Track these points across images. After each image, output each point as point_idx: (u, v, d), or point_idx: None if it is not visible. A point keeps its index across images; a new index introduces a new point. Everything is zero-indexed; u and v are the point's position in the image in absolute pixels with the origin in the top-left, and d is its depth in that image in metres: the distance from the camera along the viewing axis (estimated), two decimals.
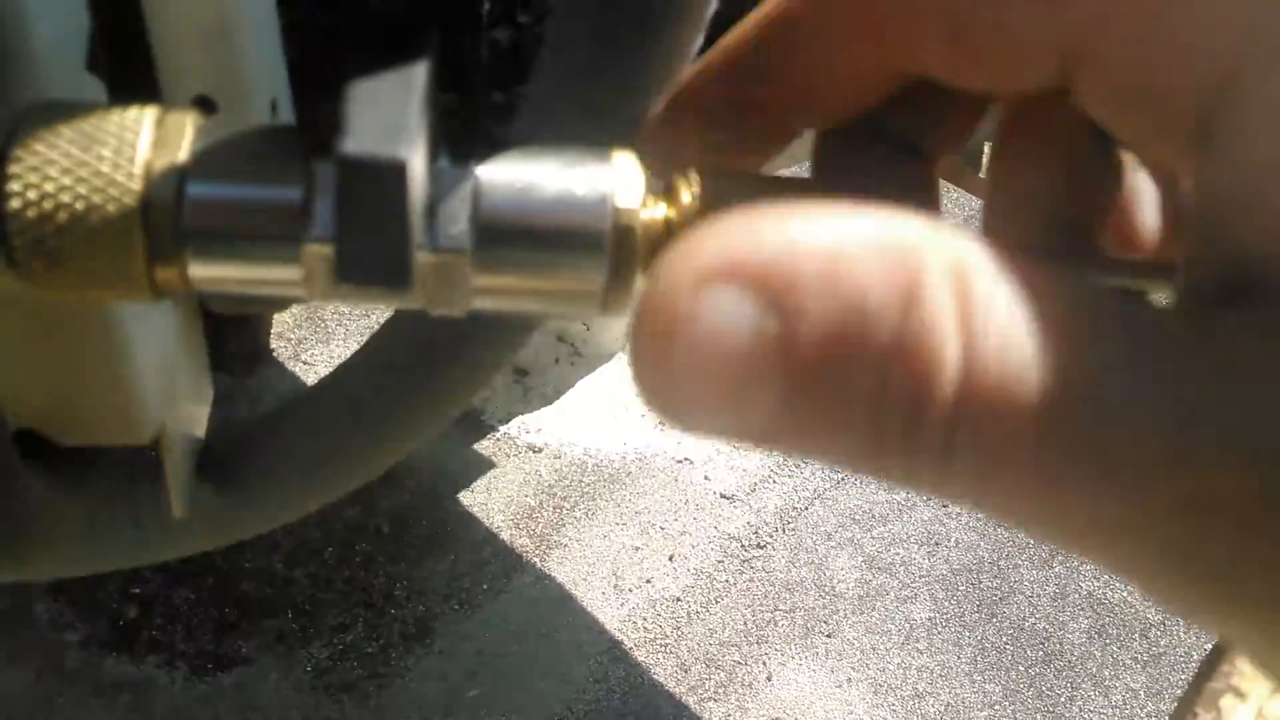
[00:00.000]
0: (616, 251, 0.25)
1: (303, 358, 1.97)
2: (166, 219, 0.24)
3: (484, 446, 1.88)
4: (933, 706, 1.60)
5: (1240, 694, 0.57)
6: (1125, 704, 1.62)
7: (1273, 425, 0.16)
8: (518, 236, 0.25)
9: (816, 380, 0.17)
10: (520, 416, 1.93)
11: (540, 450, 1.88)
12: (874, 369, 0.17)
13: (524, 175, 0.25)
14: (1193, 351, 0.17)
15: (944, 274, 0.17)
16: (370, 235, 0.23)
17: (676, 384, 0.18)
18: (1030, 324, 0.16)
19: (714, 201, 0.26)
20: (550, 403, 1.96)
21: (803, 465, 1.92)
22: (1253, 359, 0.17)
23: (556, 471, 1.85)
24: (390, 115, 0.22)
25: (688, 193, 0.26)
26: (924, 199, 0.28)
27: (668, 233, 0.25)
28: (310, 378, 1.94)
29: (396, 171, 0.22)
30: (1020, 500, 0.17)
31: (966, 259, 0.17)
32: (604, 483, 1.85)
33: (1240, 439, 0.16)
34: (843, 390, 0.17)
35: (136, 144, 0.25)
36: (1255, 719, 0.56)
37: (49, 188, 0.24)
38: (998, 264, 0.17)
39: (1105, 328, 0.17)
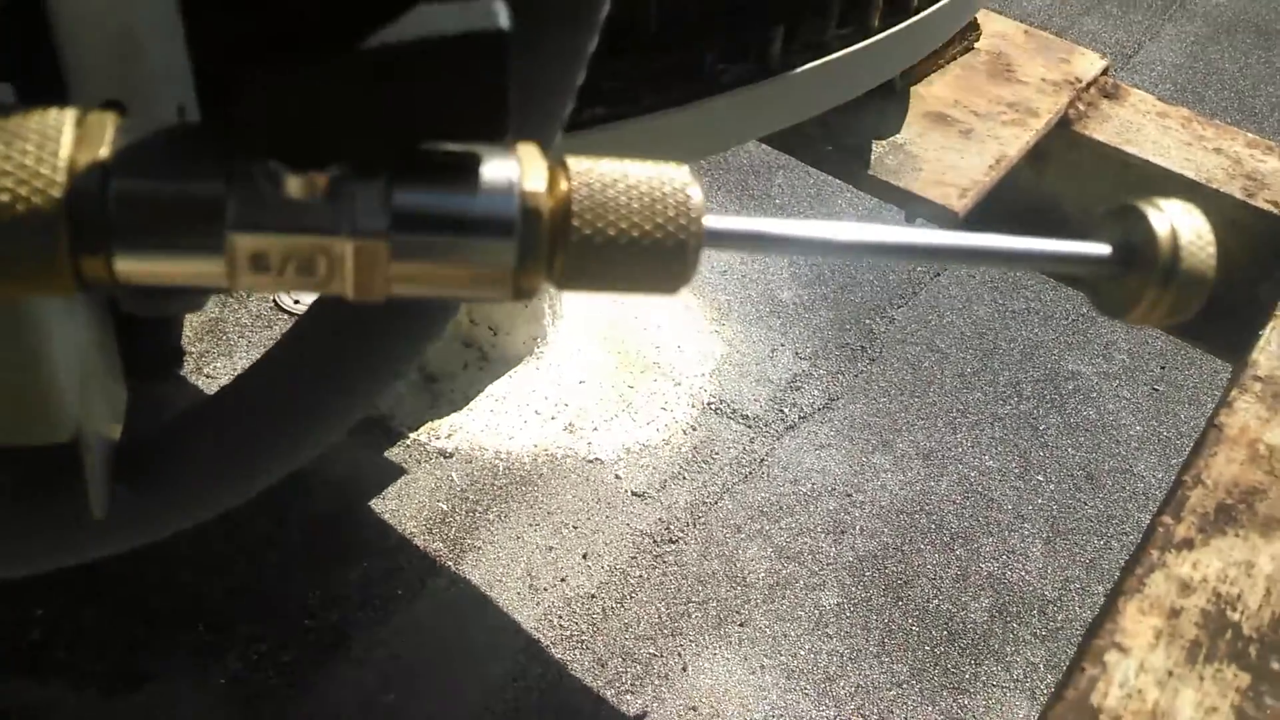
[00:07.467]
0: (525, 235, 0.27)
1: (205, 371, 1.94)
2: (91, 213, 0.26)
3: (394, 453, 1.88)
4: (843, 688, 1.64)
5: (1123, 650, 0.61)
6: (1026, 677, 1.69)
7: None
8: (431, 221, 0.27)
9: None
10: (430, 422, 1.93)
11: (451, 455, 1.89)
12: None
13: (437, 164, 0.27)
14: None
15: None
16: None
17: None
18: None
19: (583, 186, 0.28)
20: (459, 408, 1.96)
21: (711, 461, 1.95)
22: None
23: (468, 476, 1.86)
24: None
25: (564, 180, 0.28)
26: None
27: (565, 217, 0.27)
28: (212, 391, 1.92)
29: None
30: None
31: None
32: (516, 485, 1.86)
33: None
34: None
35: (59, 141, 0.26)
36: (1136, 670, 0.60)
37: None
38: None
39: None
